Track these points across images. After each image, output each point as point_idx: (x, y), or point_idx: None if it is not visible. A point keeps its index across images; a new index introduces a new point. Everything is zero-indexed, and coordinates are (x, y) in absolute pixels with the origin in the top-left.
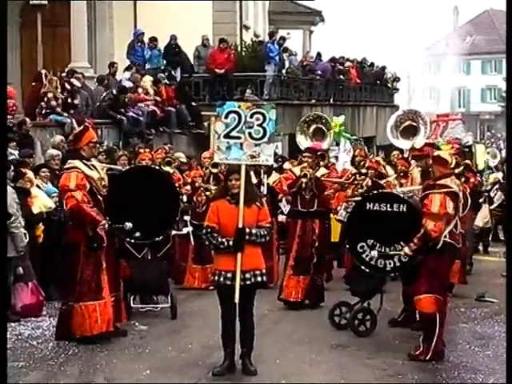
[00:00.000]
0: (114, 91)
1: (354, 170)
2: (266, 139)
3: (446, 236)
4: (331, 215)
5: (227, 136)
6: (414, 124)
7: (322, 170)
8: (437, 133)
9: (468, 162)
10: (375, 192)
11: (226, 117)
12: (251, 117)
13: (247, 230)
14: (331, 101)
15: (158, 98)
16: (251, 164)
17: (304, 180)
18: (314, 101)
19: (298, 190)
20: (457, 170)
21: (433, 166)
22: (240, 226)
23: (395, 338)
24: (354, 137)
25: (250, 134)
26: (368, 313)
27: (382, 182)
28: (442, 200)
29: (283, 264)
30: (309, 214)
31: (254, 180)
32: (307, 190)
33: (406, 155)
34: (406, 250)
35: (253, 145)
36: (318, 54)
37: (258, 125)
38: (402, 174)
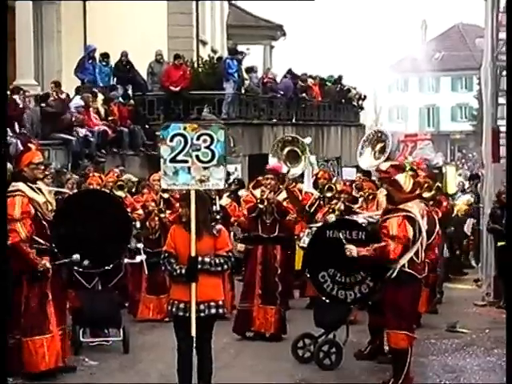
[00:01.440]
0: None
1: (318, 194)
2: (214, 162)
3: (404, 265)
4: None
5: (173, 160)
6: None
7: (284, 194)
8: (405, 153)
9: (439, 184)
10: (335, 219)
11: (172, 140)
12: (198, 139)
13: (200, 259)
14: (293, 120)
15: (109, 118)
16: (200, 189)
17: (261, 206)
18: (275, 120)
19: (259, 214)
20: (427, 194)
21: (391, 190)
22: (192, 254)
23: (362, 371)
24: (322, 160)
25: (197, 157)
26: (333, 345)
27: (356, 206)
28: (401, 223)
29: (239, 292)
30: (270, 239)
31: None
32: (268, 215)
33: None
34: (352, 247)
35: (201, 168)
36: (289, 71)
37: (205, 147)
38: (370, 198)
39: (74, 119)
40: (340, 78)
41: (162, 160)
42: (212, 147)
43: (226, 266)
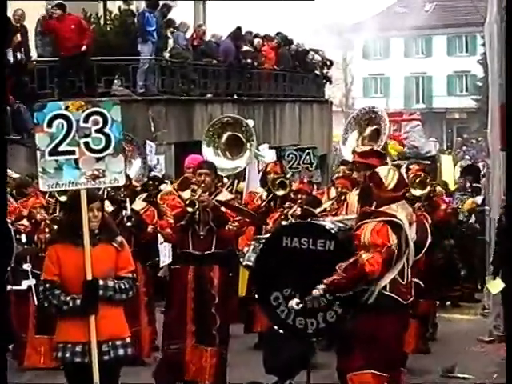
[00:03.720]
0: None
1: (265, 194)
2: (110, 150)
3: (385, 287)
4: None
5: (55, 152)
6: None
7: (225, 195)
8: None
9: (433, 181)
10: (293, 222)
11: (50, 124)
12: (86, 120)
13: (102, 283)
14: (235, 96)
15: None
16: (93, 187)
17: (190, 210)
18: (210, 95)
19: (189, 223)
20: (419, 193)
21: (369, 186)
22: (89, 277)
23: None
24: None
25: (86, 144)
26: None
27: (317, 210)
28: (380, 229)
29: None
30: (205, 257)
31: (110, 208)
32: (201, 224)
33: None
34: (319, 288)
35: (93, 160)
36: (238, 29)
37: (96, 130)
38: (343, 199)
39: None
40: (291, 41)
41: (38, 153)
42: (106, 130)
43: (131, 293)
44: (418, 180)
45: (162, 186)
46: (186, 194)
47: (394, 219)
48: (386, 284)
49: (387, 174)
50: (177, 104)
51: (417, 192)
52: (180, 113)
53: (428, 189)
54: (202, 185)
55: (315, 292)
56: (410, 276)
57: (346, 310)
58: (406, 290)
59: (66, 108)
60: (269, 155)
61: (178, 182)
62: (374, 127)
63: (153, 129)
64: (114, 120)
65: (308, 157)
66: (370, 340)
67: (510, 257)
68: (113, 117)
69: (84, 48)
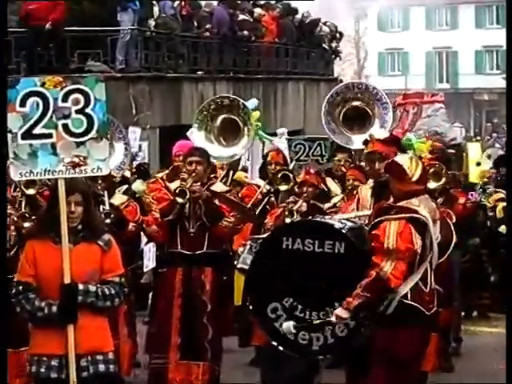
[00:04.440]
0: None
1: (267, 187)
2: (93, 133)
3: (406, 296)
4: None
5: (29, 135)
6: (365, 107)
7: (220, 187)
8: (404, 124)
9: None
10: (295, 220)
11: (23, 103)
12: (65, 99)
13: (81, 287)
14: (231, 73)
15: None
16: (73, 177)
17: (180, 201)
18: (201, 72)
19: (177, 218)
20: (434, 184)
21: (389, 179)
22: (67, 280)
23: None
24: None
25: (65, 127)
26: None
27: (327, 206)
28: (403, 229)
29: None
30: (195, 258)
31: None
32: (192, 219)
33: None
34: (339, 311)
35: (73, 145)
36: None
37: (77, 111)
38: (355, 193)
39: None
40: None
41: (9, 136)
42: (88, 111)
43: (117, 300)
44: (431, 170)
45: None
46: (175, 185)
47: (418, 215)
48: (406, 292)
49: (410, 164)
50: (162, 82)
51: (431, 184)
52: (166, 92)
53: (444, 180)
54: (193, 174)
55: (340, 312)
56: (433, 282)
57: (359, 322)
58: (428, 298)
59: (43, 85)
60: (282, 144)
61: (166, 172)
62: (363, 106)
63: (134, 111)
64: (97, 99)
65: (319, 148)
66: (387, 357)
67: None
68: (96, 95)
69: (55, 17)
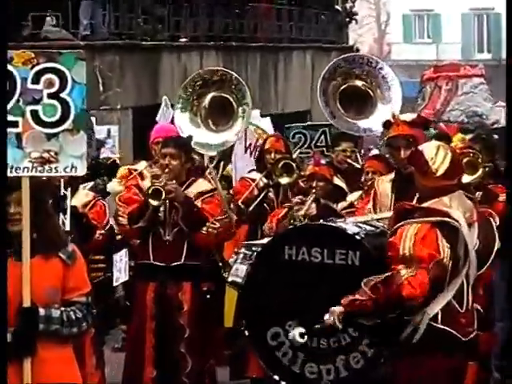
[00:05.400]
0: None
1: (265, 180)
2: (68, 124)
3: (435, 318)
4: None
5: None
6: (366, 87)
7: (202, 185)
8: (435, 102)
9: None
10: (299, 225)
11: None
12: (36, 80)
13: (42, 312)
14: (220, 41)
15: None
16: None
17: (155, 202)
18: (184, 40)
19: (149, 225)
20: (468, 179)
21: (413, 171)
22: (26, 304)
23: None
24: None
25: (35, 114)
26: None
27: (341, 206)
28: (427, 234)
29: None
30: (171, 271)
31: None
32: (168, 225)
33: (375, 151)
34: (334, 311)
35: (43, 137)
36: None
37: (50, 95)
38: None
39: None
40: None
41: None
42: (63, 95)
43: (84, 324)
44: (465, 160)
45: (110, 186)
46: (146, 183)
47: (447, 219)
48: (436, 312)
49: (435, 154)
50: (136, 52)
51: (465, 178)
52: (141, 64)
53: (480, 173)
54: (166, 170)
55: (328, 318)
56: (471, 301)
57: (378, 351)
58: (465, 320)
59: (10, 60)
60: (264, 125)
61: (137, 163)
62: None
63: (101, 87)
64: (75, 82)
65: (323, 137)
66: None
67: None
68: (74, 77)
69: None
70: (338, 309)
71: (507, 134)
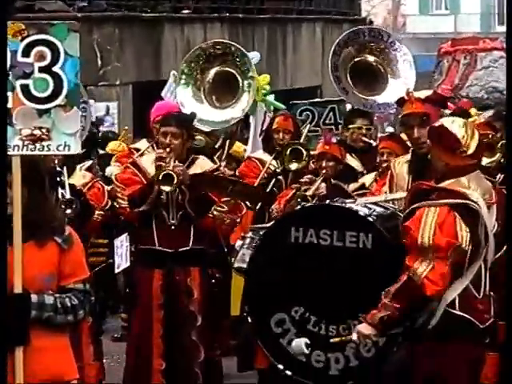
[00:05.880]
0: None
1: (274, 163)
2: (60, 99)
3: (453, 304)
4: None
5: None
6: (374, 62)
7: (203, 164)
8: (453, 77)
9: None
10: (306, 206)
11: None
12: (26, 53)
13: (35, 299)
14: (226, 13)
15: None
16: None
17: (167, 188)
18: (186, 11)
19: (152, 208)
20: (486, 161)
21: (432, 149)
22: (17, 290)
23: None
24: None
25: (25, 89)
26: None
27: (352, 187)
28: (445, 219)
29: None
30: (178, 257)
31: None
32: (173, 209)
33: (389, 129)
34: (362, 327)
35: (34, 113)
36: None
37: (42, 69)
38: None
39: None
40: None
41: None
42: (56, 69)
43: (81, 312)
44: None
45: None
46: (147, 162)
47: (466, 201)
48: (454, 298)
49: (465, 132)
50: (136, 24)
51: (483, 160)
52: (141, 38)
53: (498, 156)
54: (168, 149)
55: (359, 337)
56: (488, 286)
57: (390, 339)
58: (483, 306)
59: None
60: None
61: (138, 142)
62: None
63: (99, 62)
64: (68, 55)
65: (332, 114)
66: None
67: None
68: (67, 50)
69: None
70: (365, 329)
71: (507, 134)
